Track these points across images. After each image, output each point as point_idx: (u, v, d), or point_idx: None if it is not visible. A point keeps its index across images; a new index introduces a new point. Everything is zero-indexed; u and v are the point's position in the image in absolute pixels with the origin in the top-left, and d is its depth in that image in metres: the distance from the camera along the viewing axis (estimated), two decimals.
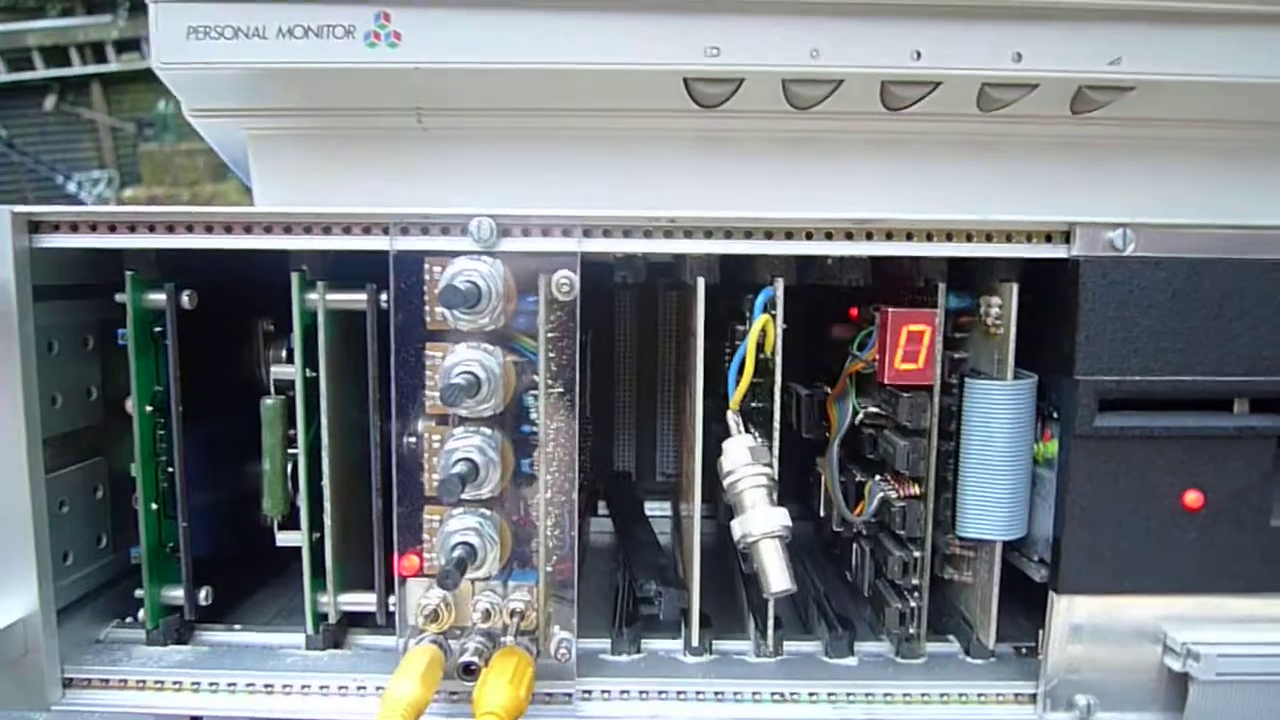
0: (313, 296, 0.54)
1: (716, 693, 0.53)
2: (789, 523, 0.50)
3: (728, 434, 0.53)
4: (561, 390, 0.51)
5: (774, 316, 0.52)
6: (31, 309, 0.50)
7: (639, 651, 0.57)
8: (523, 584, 0.52)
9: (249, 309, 0.60)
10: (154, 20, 0.53)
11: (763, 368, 0.53)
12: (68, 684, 0.53)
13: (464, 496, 0.49)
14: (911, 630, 0.55)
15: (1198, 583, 0.51)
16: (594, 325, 0.75)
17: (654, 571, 0.60)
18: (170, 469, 0.55)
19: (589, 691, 0.53)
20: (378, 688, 0.53)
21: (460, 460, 0.49)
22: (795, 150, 0.61)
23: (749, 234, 0.50)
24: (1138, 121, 0.59)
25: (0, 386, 0.49)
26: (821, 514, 0.62)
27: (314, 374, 0.54)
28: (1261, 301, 0.49)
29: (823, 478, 0.59)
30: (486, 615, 0.51)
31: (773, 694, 0.53)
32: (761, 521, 0.50)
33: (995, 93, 0.56)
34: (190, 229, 0.51)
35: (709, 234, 0.50)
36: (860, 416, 0.57)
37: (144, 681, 0.54)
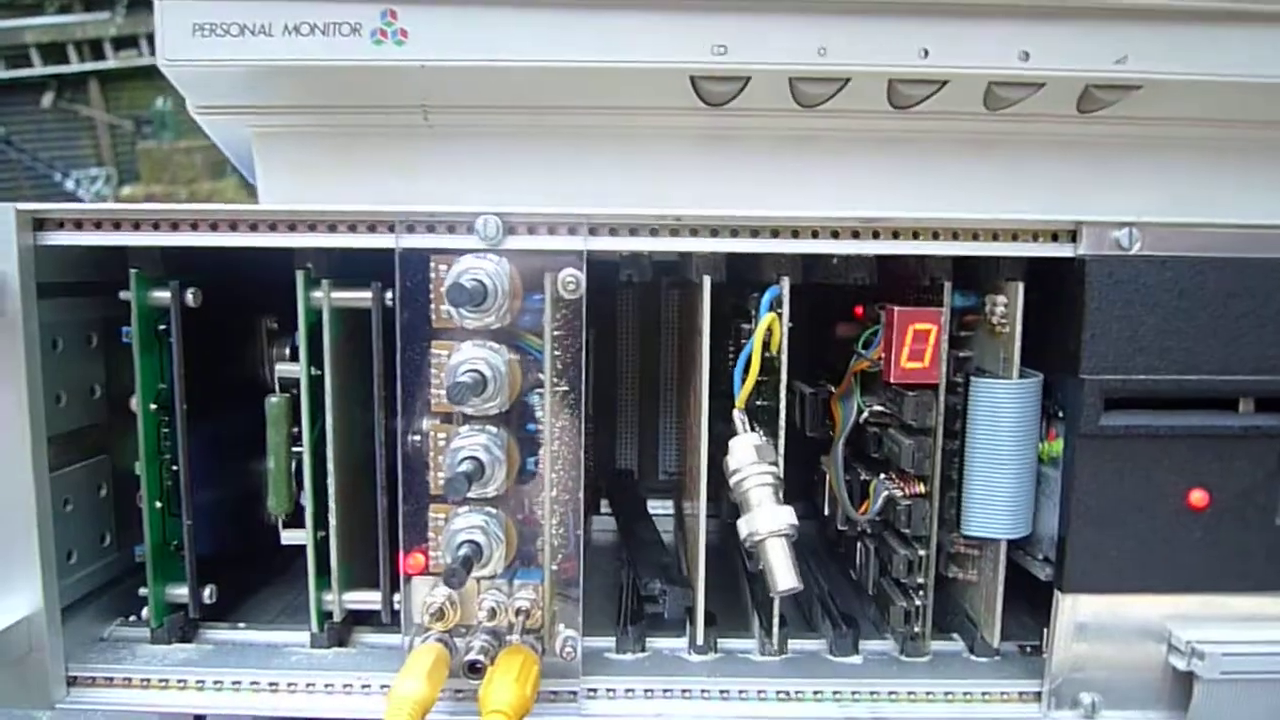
0: (318, 294, 0.53)
1: (722, 691, 0.53)
2: (795, 521, 0.50)
3: (733, 432, 0.53)
4: (567, 388, 0.51)
5: (780, 315, 0.52)
6: (36, 306, 0.50)
7: (644, 650, 0.57)
8: (528, 582, 0.52)
9: (254, 307, 0.60)
10: (159, 17, 0.53)
11: (768, 366, 0.53)
12: (72, 682, 0.53)
13: (469, 495, 0.49)
14: (916, 629, 0.55)
15: (1203, 581, 0.51)
16: (597, 323, 0.75)
17: (658, 570, 0.61)
18: (174, 467, 0.55)
19: (594, 690, 0.53)
20: (383, 686, 0.53)
21: (466, 458, 0.49)
22: (802, 148, 0.61)
23: (755, 232, 0.50)
24: (1144, 120, 0.59)
25: (4, 384, 0.49)
26: (826, 512, 0.62)
27: (319, 372, 0.54)
28: (1268, 301, 0.49)
29: (828, 476, 0.59)
30: (492, 613, 0.51)
31: (778, 692, 0.53)
32: (768, 520, 0.50)
33: (1002, 91, 0.56)
34: (195, 227, 0.51)
35: (715, 232, 0.50)
36: (865, 415, 0.57)
37: (148, 680, 0.54)
